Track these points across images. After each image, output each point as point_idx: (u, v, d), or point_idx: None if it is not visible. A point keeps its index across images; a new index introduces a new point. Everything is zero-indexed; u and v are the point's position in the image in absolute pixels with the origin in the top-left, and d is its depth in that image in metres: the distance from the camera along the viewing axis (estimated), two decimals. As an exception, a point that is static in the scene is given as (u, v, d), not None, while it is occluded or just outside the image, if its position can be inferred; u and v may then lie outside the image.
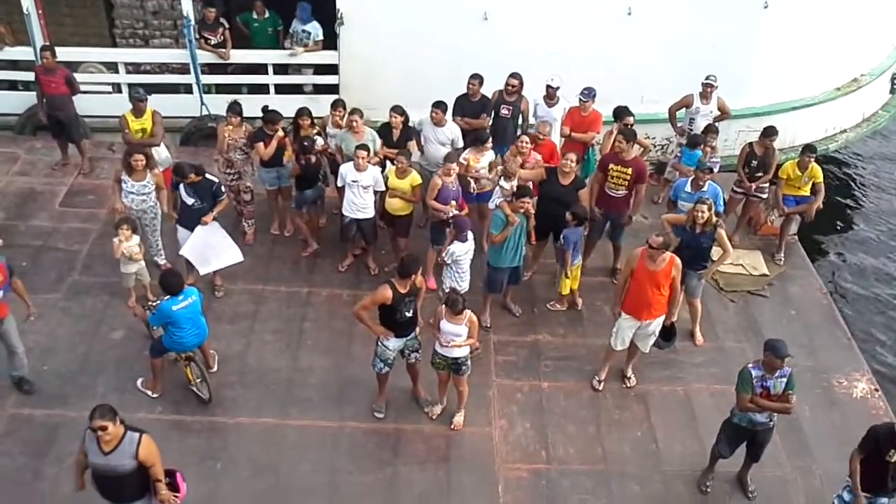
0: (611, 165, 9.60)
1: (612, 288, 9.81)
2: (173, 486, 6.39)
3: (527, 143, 9.74)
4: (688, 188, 9.62)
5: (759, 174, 10.50)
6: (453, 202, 9.17)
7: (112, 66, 12.53)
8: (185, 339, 7.86)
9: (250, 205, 10.35)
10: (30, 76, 11.76)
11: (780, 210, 10.64)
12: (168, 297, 7.64)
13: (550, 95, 10.70)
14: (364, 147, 9.29)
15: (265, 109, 9.89)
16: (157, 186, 9.25)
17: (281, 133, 9.76)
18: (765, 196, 10.83)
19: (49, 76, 10.97)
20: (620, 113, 10.48)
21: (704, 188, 9.47)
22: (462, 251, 8.76)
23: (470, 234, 8.83)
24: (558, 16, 11.99)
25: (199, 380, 8.29)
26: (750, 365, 7.17)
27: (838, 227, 14.10)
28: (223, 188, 9.20)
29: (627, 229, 10.15)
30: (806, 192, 10.47)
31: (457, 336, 7.62)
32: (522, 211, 8.72)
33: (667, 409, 8.69)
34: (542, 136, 10.15)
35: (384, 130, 10.01)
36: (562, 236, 9.19)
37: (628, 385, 8.90)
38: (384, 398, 8.37)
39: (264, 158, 9.79)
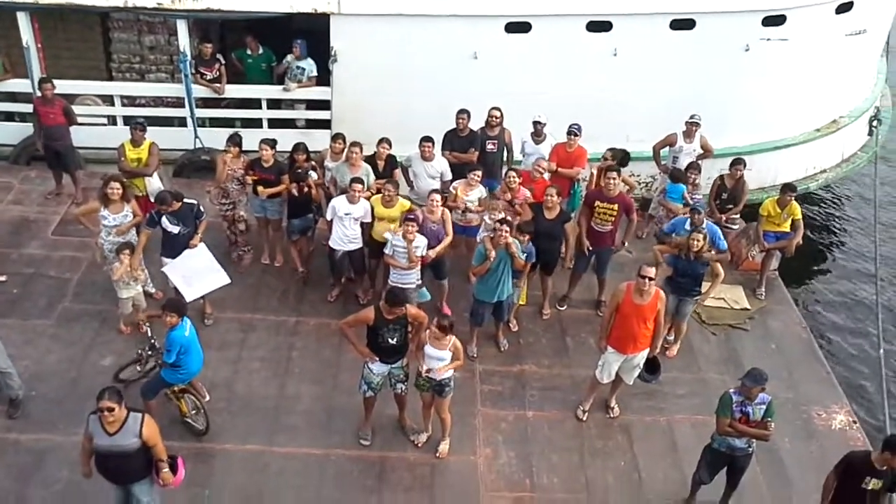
0: (597, 203, 9.82)
1: (597, 320, 9.98)
2: (173, 469, 6.80)
3: (514, 178, 9.93)
4: (687, 226, 9.76)
5: (730, 206, 10.79)
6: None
7: (108, 99, 12.79)
8: (192, 366, 7.87)
9: (245, 234, 10.57)
10: (26, 108, 12.01)
11: (761, 246, 10.89)
12: (175, 323, 7.55)
13: (538, 132, 10.95)
14: (359, 180, 9.49)
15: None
16: (134, 213, 9.33)
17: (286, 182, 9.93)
18: (735, 227, 11.18)
19: (47, 107, 11.17)
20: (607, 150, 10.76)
21: (703, 226, 9.60)
22: (400, 243, 8.99)
23: (422, 240, 9.02)
24: (546, 56, 12.33)
25: (194, 412, 8.30)
26: (731, 390, 7.35)
27: (818, 263, 14.39)
28: (203, 208, 9.36)
29: (612, 263, 10.35)
30: (786, 228, 10.74)
31: (440, 360, 7.73)
32: (503, 246, 8.83)
33: (649, 439, 8.81)
34: (539, 172, 10.30)
35: (369, 162, 10.22)
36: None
37: (612, 415, 9.01)
38: (370, 425, 8.45)
39: (263, 196, 10.01)
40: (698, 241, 9.03)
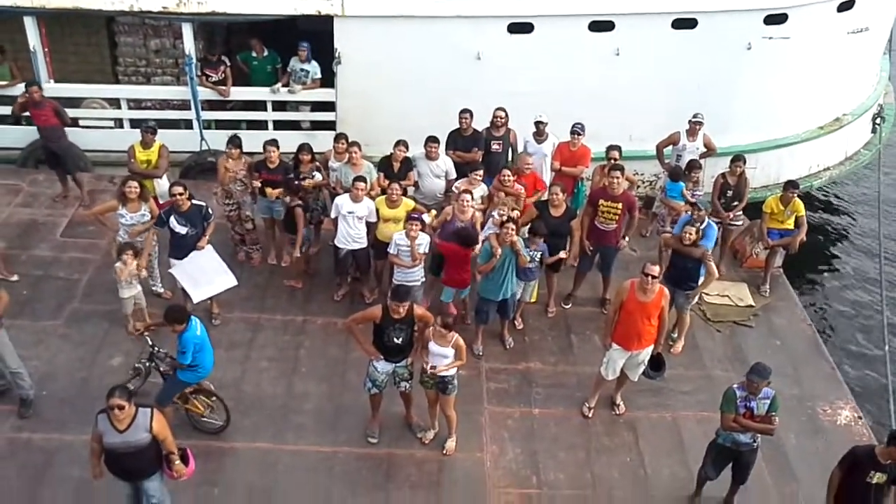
0: (601, 201, 9.88)
1: (602, 318, 10.04)
2: (184, 460, 6.91)
3: (509, 176, 10.03)
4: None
5: (735, 203, 10.88)
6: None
7: (114, 102, 12.88)
8: (207, 362, 7.89)
9: (253, 232, 10.70)
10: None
11: (765, 243, 10.94)
12: (182, 329, 7.55)
13: (539, 131, 11.02)
14: (361, 179, 9.58)
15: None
16: (151, 213, 9.45)
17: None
18: (740, 223, 11.25)
19: (38, 109, 11.23)
20: (609, 149, 10.81)
21: (703, 225, 9.62)
22: (404, 242, 9.06)
23: (425, 238, 9.10)
24: (549, 56, 12.38)
25: (208, 410, 8.35)
26: (735, 385, 7.38)
27: (822, 260, 14.43)
28: (211, 210, 9.45)
29: (617, 261, 10.40)
30: (789, 225, 10.78)
31: (443, 357, 7.80)
32: (508, 244, 8.90)
33: (655, 436, 8.85)
34: (526, 166, 10.41)
35: (385, 163, 10.32)
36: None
37: (617, 412, 9.06)
38: (377, 423, 8.52)
39: (272, 198, 10.11)
40: (690, 234, 9.15)
